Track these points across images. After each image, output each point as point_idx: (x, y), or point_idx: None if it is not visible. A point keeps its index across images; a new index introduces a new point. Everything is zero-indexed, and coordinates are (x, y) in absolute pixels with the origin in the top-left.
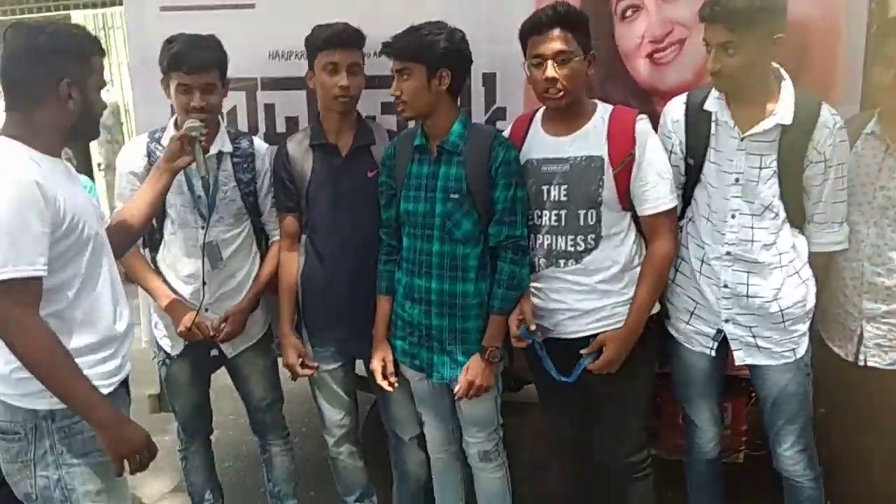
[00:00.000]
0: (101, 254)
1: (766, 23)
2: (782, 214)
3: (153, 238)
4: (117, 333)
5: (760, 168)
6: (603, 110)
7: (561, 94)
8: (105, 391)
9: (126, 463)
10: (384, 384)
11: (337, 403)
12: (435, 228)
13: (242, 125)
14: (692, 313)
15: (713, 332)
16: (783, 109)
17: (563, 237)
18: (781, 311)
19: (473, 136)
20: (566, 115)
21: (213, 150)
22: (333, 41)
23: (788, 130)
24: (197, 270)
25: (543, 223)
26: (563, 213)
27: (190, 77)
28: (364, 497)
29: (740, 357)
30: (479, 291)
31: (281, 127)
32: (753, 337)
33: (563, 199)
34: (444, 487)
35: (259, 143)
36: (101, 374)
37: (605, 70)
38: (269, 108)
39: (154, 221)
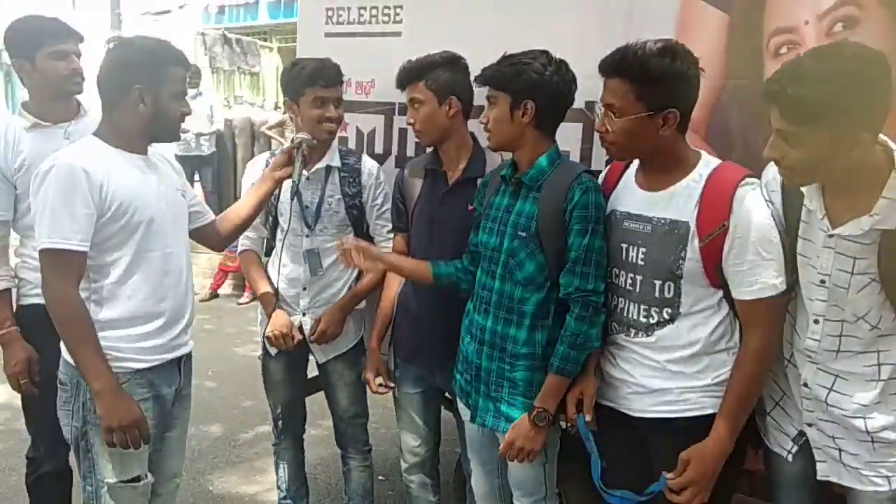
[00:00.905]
0: (154, 240)
1: (839, 121)
2: (889, 324)
3: (270, 244)
4: (161, 313)
5: (852, 273)
6: (704, 166)
7: (611, 147)
8: (141, 365)
9: (115, 437)
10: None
11: (413, 429)
12: (499, 265)
13: (379, 147)
14: (777, 403)
15: (794, 432)
16: (886, 209)
17: (637, 305)
18: (868, 431)
19: (558, 172)
20: (658, 168)
21: (322, 163)
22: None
23: (893, 234)
24: (299, 276)
25: (619, 284)
26: (638, 278)
27: (326, 91)
28: None
29: (823, 470)
30: (531, 341)
31: (411, 151)
32: (838, 450)
33: (640, 263)
34: None
35: (366, 160)
36: (138, 348)
37: (748, 115)
38: (403, 132)
39: (269, 229)
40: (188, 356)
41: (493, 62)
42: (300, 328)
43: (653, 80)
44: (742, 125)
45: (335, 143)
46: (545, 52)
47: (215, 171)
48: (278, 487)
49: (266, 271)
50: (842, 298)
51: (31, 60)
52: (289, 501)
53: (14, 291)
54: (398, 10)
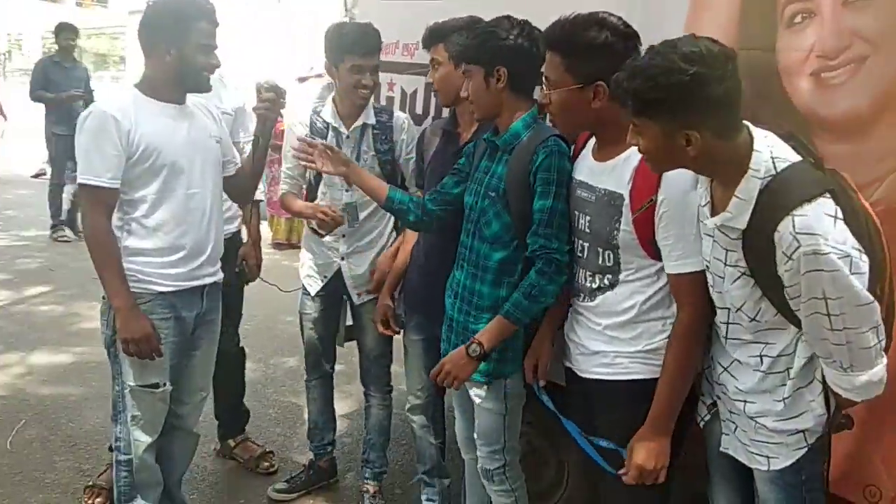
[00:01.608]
0: (178, 181)
1: (663, 116)
2: (768, 318)
3: (312, 196)
4: (182, 246)
5: (725, 264)
6: None
7: (553, 119)
8: (163, 288)
9: (129, 346)
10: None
11: (416, 373)
12: (471, 222)
13: (419, 107)
14: (702, 371)
15: (709, 401)
16: (738, 210)
17: (584, 271)
18: (747, 414)
19: (531, 135)
20: (606, 139)
21: (360, 122)
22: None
23: (750, 236)
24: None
25: (575, 250)
26: (585, 245)
27: (364, 59)
28: (434, 473)
29: (724, 442)
30: (494, 295)
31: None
32: (734, 425)
33: (586, 231)
34: (471, 494)
35: (398, 116)
36: (161, 274)
37: (759, 86)
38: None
39: (313, 181)
40: (213, 285)
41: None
42: (339, 271)
43: (579, 53)
44: (752, 95)
45: (370, 102)
46: (508, 17)
47: None
48: (308, 419)
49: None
50: (720, 287)
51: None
52: (317, 431)
53: None
54: None
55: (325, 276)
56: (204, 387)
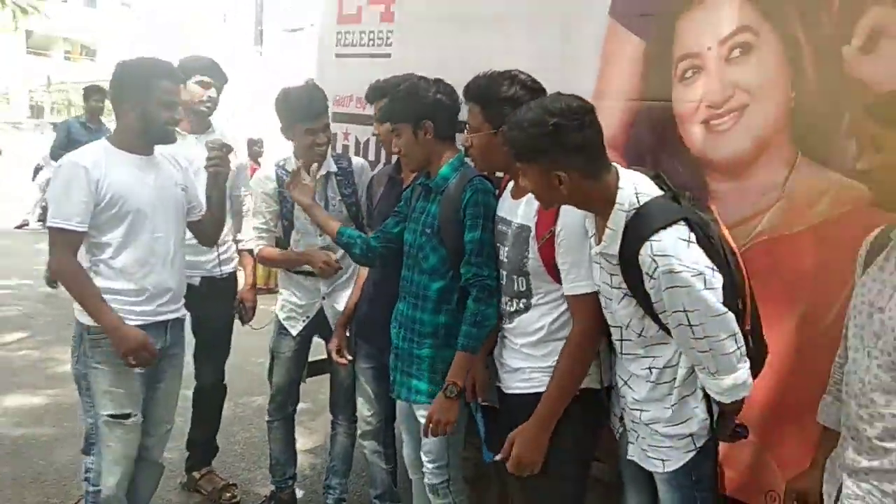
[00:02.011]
0: (142, 226)
1: (536, 161)
2: (652, 333)
3: (283, 245)
4: (146, 286)
5: (612, 287)
6: None
7: (473, 160)
8: (131, 324)
9: (131, 359)
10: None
11: (366, 399)
12: (411, 258)
13: (371, 154)
14: (614, 387)
15: (619, 413)
16: (610, 239)
17: (504, 296)
18: (644, 422)
19: (459, 177)
20: (518, 179)
21: (322, 171)
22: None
23: (623, 259)
24: None
25: (499, 278)
26: (504, 273)
27: (314, 123)
28: (386, 497)
29: (630, 451)
30: (435, 322)
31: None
32: (637, 435)
33: (504, 260)
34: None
35: (356, 161)
36: (128, 311)
37: (659, 134)
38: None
39: (283, 233)
40: (175, 321)
41: (392, 98)
42: (321, 310)
43: (493, 103)
44: (653, 143)
45: (329, 152)
46: (423, 78)
47: None
48: (270, 456)
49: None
50: (610, 308)
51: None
52: (279, 467)
53: None
54: (389, 35)
55: (308, 316)
56: (168, 419)
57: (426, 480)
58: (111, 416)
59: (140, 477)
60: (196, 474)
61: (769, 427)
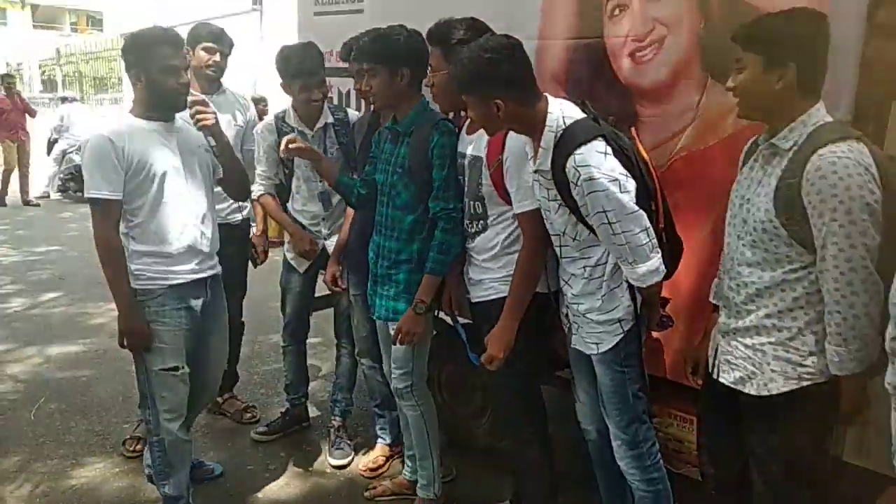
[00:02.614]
0: (171, 189)
1: (478, 91)
2: (584, 237)
3: (285, 191)
4: (182, 245)
5: (549, 199)
6: None
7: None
8: (172, 281)
9: (125, 340)
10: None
11: (362, 323)
12: (385, 195)
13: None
14: (562, 293)
15: (566, 311)
16: (543, 156)
17: (467, 219)
18: (581, 313)
19: (423, 121)
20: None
21: (321, 122)
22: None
23: (555, 172)
24: (317, 211)
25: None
26: (466, 200)
27: (309, 79)
28: (384, 406)
29: (572, 341)
30: (409, 250)
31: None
32: (577, 326)
33: (465, 188)
34: (402, 413)
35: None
36: (167, 271)
37: (594, 68)
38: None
39: (284, 180)
40: (213, 277)
41: (364, 41)
42: (323, 249)
43: (452, 45)
44: (590, 76)
45: (325, 104)
46: (403, 26)
47: None
48: (285, 377)
49: (285, 210)
50: (549, 218)
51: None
52: (292, 387)
53: None
54: None
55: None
56: (220, 369)
57: (393, 385)
58: (161, 369)
59: None
60: (219, 399)
61: (693, 315)
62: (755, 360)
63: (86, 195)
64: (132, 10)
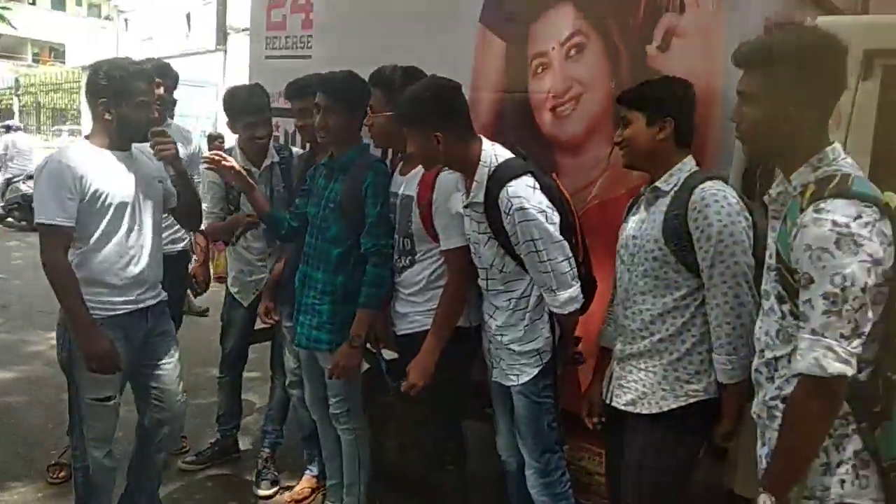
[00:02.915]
0: (123, 219)
1: (417, 127)
2: (511, 269)
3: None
4: (127, 276)
5: (479, 233)
6: None
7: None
8: (112, 313)
9: (93, 364)
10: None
11: (291, 354)
12: (315, 227)
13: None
14: (483, 329)
15: (487, 346)
16: (476, 190)
17: (397, 255)
18: (504, 345)
19: (360, 160)
20: (408, 158)
21: (267, 162)
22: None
23: (487, 206)
24: (261, 247)
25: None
26: (397, 237)
27: (254, 117)
28: (313, 438)
29: (494, 375)
30: (333, 282)
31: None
32: (499, 359)
33: (397, 225)
34: (324, 441)
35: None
36: (111, 301)
37: (520, 119)
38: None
39: (231, 207)
40: (157, 305)
41: (330, 77)
42: (268, 283)
43: (396, 90)
44: (516, 126)
45: (271, 144)
46: (353, 73)
47: None
48: (218, 409)
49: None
50: (478, 252)
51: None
52: (226, 417)
53: None
54: (308, 39)
55: (257, 289)
56: (178, 392)
57: (331, 411)
58: (94, 399)
59: (155, 452)
60: None
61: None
62: (646, 381)
63: (36, 221)
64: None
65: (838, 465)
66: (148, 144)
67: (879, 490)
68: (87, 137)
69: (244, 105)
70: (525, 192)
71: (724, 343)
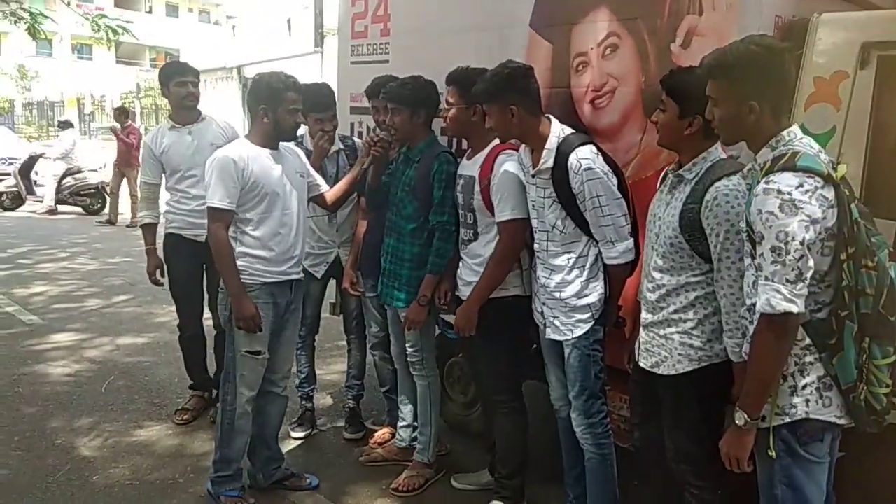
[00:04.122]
0: (275, 205)
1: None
2: (569, 230)
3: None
4: (278, 251)
5: (544, 198)
6: (491, 146)
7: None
8: (266, 280)
9: (240, 323)
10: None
11: (374, 320)
12: (395, 206)
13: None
14: (536, 295)
15: (539, 310)
16: (547, 156)
17: (461, 228)
18: (563, 299)
19: (430, 150)
20: (473, 146)
21: (334, 149)
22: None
23: (555, 170)
24: (331, 226)
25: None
26: (461, 212)
27: (321, 114)
28: (392, 391)
29: (546, 333)
30: (411, 252)
31: None
32: (553, 318)
33: (461, 203)
34: (401, 388)
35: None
36: (264, 271)
37: (564, 111)
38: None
39: None
40: (298, 282)
41: (394, 84)
42: (337, 257)
43: (469, 85)
44: (561, 118)
45: (336, 133)
46: (420, 76)
47: None
48: (297, 375)
49: None
50: (542, 216)
51: (167, 88)
52: (305, 381)
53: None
54: (386, 46)
55: (327, 262)
56: (290, 359)
57: (408, 359)
58: (247, 352)
59: (272, 407)
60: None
61: (636, 317)
62: (666, 346)
63: (207, 203)
64: (207, 48)
65: (804, 388)
66: (292, 143)
67: (842, 409)
68: (246, 137)
69: (313, 104)
70: (591, 155)
71: (732, 328)
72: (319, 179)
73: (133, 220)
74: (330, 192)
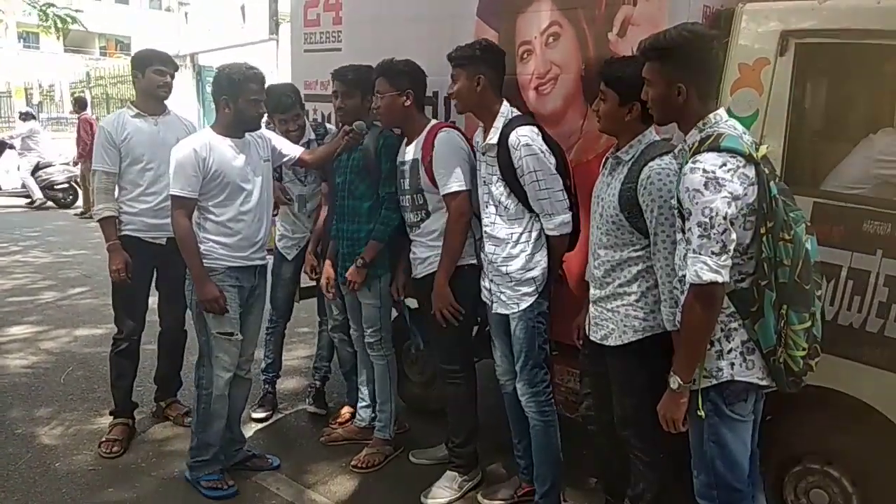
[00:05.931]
0: (238, 192)
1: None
2: (513, 206)
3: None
4: (240, 237)
5: (490, 174)
6: (429, 127)
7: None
8: (230, 263)
9: (206, 306)
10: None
11: (334, 304)
12: (345, 191)
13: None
14: (484, 272)
15: (487, 286)
16: (493, 134)
17: (412, 212)
18: (508, 273)
19: (374, 132)
20: (409, 132)
21: (305, 139)
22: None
23: (500, 149)
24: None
25: (403, 204)
26: (408, 196)
27: (284, 116)
28: (351, 374)
29: (494, 308)
30: (367, 230)
31: None
32: (500, 292)
33: (407, 186)
34: (361, 369)
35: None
36: (228, 255)
37: (510, 97)
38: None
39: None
40: (262, 267)
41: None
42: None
43: (396, 74)
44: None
45: (308, 124)
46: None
47: None
48: (265, 357)
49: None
50: (490, 192)
51: (142, 73)
52: (272, 365)
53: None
54: (339, 34)
55: (299, 246)
56: (254, 342)
57: (366, 340)
58: (220, 333)
59: (235, 390)
60: (162, 403)
61: (579, 292)
62: (613, 319)
63: (170, 192)
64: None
65: (728, 352)
66: (258, 132)
67: (764, 371)
68: (211, 127)
69: (275, 105)
70: (530, 134)
71: (667, 298)
72: (289, 147)
73: (90, 212)
74: (307, 153)
